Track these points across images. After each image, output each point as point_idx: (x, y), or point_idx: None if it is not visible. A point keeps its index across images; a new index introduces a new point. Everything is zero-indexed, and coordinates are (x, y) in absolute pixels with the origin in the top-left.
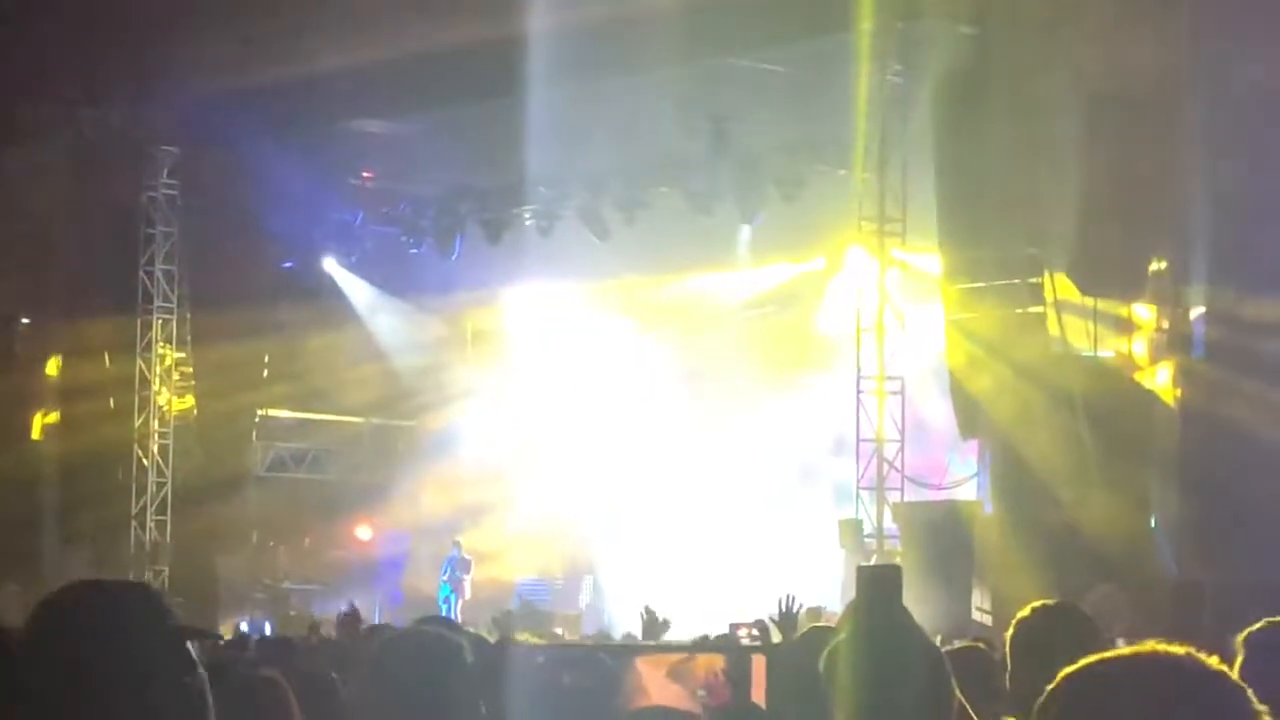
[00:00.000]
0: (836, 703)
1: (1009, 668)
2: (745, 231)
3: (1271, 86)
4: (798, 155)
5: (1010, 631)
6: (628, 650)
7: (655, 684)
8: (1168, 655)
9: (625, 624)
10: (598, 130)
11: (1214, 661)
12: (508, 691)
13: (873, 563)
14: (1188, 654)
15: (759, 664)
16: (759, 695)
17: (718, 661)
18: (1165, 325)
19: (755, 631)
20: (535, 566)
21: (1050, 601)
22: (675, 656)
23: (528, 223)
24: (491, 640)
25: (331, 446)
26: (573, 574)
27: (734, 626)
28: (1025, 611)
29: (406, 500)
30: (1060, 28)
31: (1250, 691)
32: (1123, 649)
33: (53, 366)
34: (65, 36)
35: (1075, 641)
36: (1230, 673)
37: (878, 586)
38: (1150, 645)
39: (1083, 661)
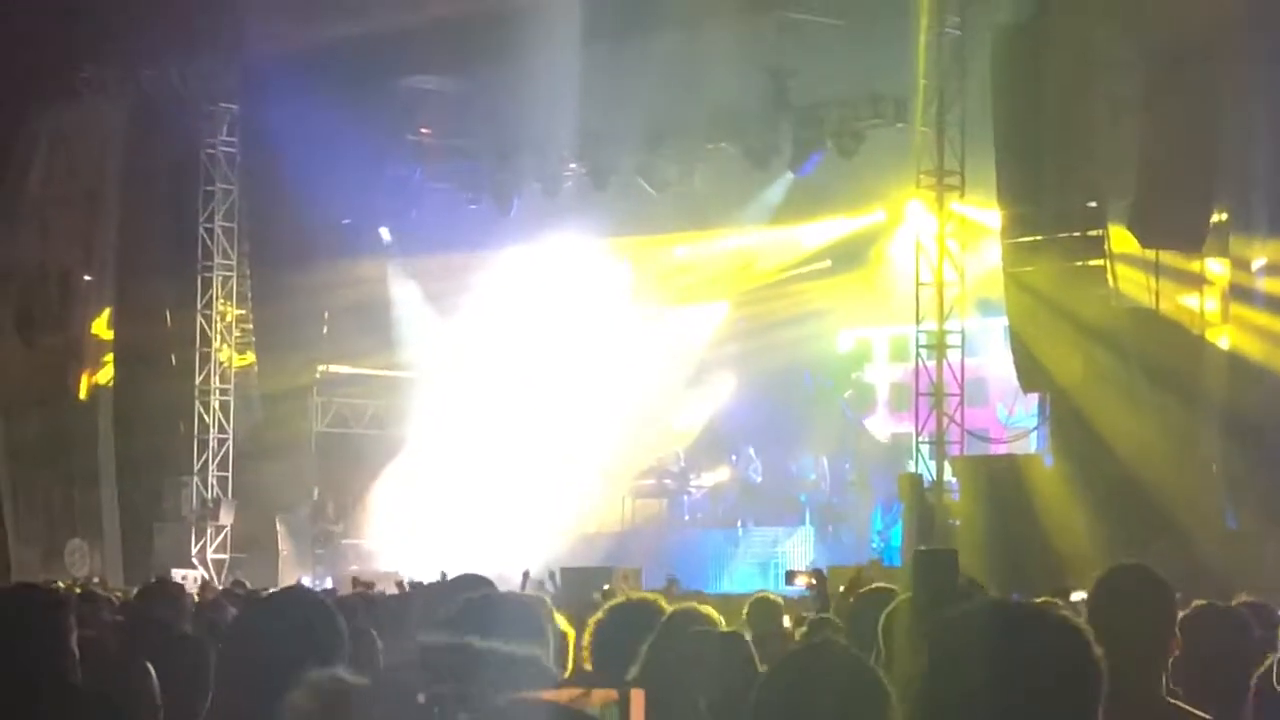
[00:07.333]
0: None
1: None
2: (788, 178)
3: None
4: (856, 109)
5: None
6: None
7: None
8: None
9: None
10: (655, 85)
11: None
12: None
13: (931, 542)
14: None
15: (637, 699)
16: None
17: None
18: (1225, 277)
19: (814, 580)
20: (593, 522)
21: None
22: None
23: (584, 178)
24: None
25: (391, 402)
26: (632, 530)
27: (790, 575)
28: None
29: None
30: None
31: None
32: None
33: (110, 324)
34: None
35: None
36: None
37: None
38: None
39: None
